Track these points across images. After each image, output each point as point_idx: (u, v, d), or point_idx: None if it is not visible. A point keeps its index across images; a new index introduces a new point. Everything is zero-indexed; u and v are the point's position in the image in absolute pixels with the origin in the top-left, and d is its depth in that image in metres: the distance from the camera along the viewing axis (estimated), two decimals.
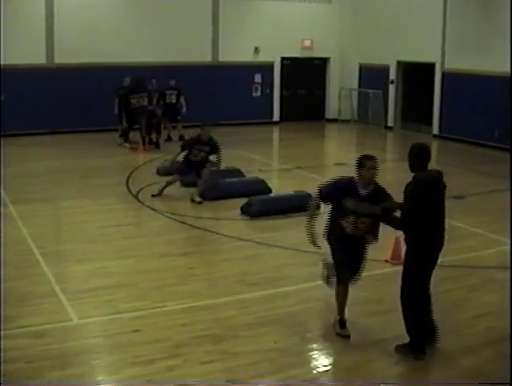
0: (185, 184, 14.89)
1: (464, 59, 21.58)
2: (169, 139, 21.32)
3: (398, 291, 7.36)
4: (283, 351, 7.31)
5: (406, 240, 7.22)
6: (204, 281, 9.53)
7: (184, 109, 21.45)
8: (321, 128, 26.26)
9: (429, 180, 7.04)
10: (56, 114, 22.01)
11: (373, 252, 10.40)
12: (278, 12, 25.25)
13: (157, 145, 20.02)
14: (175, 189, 14.86)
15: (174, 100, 21.36)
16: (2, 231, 11.25)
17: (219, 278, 9.64)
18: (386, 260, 10.01)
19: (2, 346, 7.11)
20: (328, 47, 26.40)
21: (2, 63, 20.63)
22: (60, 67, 21.99)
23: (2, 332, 7.45)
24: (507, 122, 19.76)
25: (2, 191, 13.99)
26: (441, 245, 7.21)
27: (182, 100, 21.46)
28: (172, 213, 12.86)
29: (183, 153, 14.21)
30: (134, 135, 20.32)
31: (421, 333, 7.19)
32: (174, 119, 21.47)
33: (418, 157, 7.06)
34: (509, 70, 19.47)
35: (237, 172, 15.52)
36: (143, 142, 19.79)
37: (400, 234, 9.94)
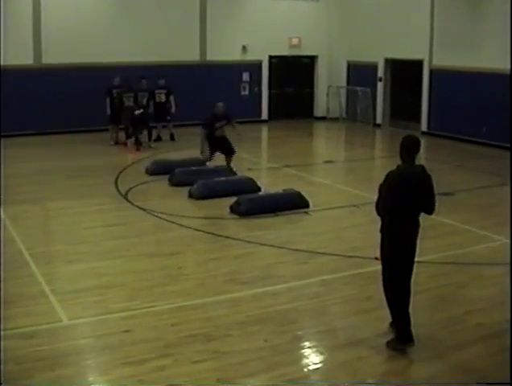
0: (174, 184, 14.90)
1: (451, 56, 21.64)
2: (159, 139, 21.25)
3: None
4: (274, 350, 7.31)
5: (380, 229, 7.33)
6: (193, 280, 9.51)
7: (173, 109, 21.33)
8: (310, 126, 26.26)
9: (400, 173, 7.17)
10: (44, 115, 21.92)
11: (362, 250, 10.49)
12: (265, 10, 25.24)
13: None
14: (164, 188, 14.86)
15: (163, 100, 21.27)
16: (2, 230, 11.24)
17: (209, 277, 9.63)
18: (376, 258, 9.99)
19: (2, 347, 7.09)
20: (316, 44, 26.41)
21: None
22: (48, 67, 21.91)
23: (2, 332, 7.44)
24: (495, 118, 19.84)
25: (1, 191, 13.92)
26: (408, 239, 7.23)
27: (171, 99, 21.36)
28: (161, 213, 12.84)
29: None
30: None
31: (405, 321, 7.23)
32: (163, 119, 21.33)
33: (402, 148, 7.24)
34: (495, 66, 19.53)
35: (226, 171, 15.47)
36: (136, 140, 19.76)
37: None
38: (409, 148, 7.19)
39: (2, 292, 8.62)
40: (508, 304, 7.71)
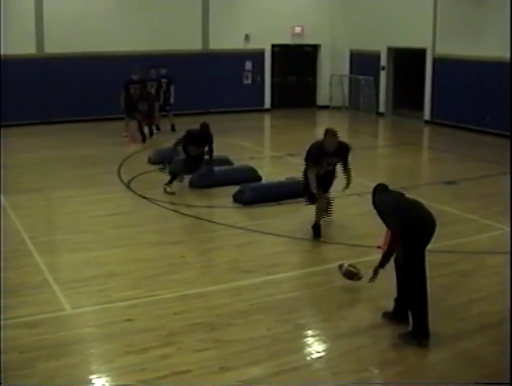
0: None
1: (455, 45, 21.55)
2: (157, 129, 21.08)
3: (390, 278, 7.40)
4: (276, 338, 7.32)
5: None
6: (196, 269, 9.53)
7: (172, 100, 21.07)
8: (312, 115, 26.23)
9: None
10: (46, 104, 21.92)
11: (364, 238, 10.49)
12: None
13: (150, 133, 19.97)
14: (167, 178, 14.84)
15: (164, 89, 21.07)
16: (1, 221, 11.26)
17: (211, 266, 9.65)
18: (379, 247, 10.00)
19: (2, 344, 7.08)
20: (319, 33, 26.30)
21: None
22: (50, 56, 21.89)
23: (2, 322, 7.47)
24: (498, 107, 19.80)
25: (1, 181, 13.94)
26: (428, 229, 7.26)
27: (172, 90, 21.11)
28: (164, 201, 12.85)
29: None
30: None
31: (424, 317, 7.18)
32: (163, 108, 21.12)
33: None
34: (499, 54, 19.48)
35: (225, 161, 15.33)
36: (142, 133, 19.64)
37: None
38: None
39: (2, 282, 8.64)
40: (508, 294, 7.73)
